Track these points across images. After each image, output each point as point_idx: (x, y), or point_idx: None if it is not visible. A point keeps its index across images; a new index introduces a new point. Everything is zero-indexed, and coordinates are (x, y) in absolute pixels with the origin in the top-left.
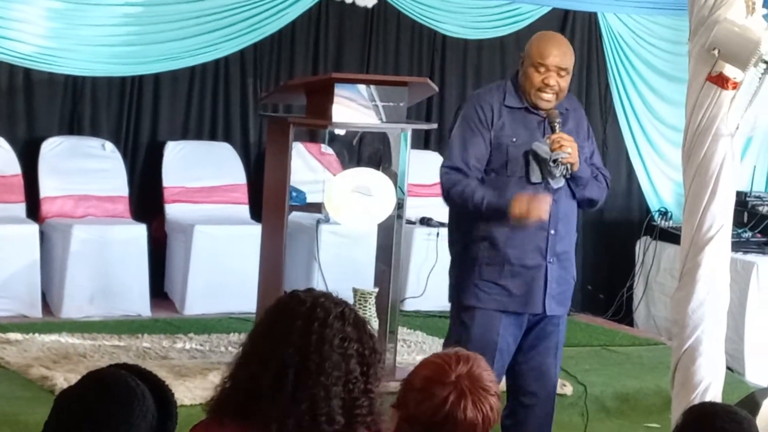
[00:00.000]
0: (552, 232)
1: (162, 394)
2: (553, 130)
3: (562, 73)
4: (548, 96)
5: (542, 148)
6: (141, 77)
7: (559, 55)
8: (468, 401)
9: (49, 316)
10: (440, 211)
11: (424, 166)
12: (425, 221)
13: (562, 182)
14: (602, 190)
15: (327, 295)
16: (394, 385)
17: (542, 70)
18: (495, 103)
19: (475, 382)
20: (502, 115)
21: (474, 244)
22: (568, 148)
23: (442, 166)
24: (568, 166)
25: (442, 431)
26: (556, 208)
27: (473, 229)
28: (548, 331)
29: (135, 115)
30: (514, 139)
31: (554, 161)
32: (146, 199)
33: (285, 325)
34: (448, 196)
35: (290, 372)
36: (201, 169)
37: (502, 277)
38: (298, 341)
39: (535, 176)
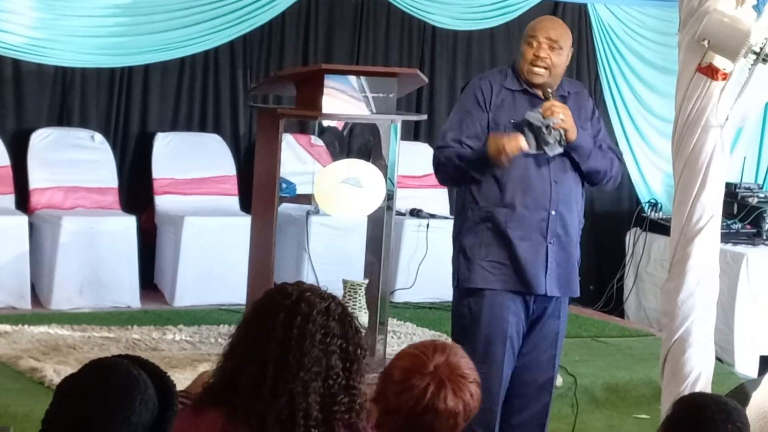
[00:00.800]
0: (552, 212)
1: (163, 384)
2: (547, 100)
3: (555, 46)
4: (540, 70)
5: (535, 116)
6: (130, 68)
7: (549, 27)
8: (448, 390)
9: (39, 308)
10: (430, 202)
11: (414, 158)
12: (415, 213)
13: (558, 149)
14: (610, 161)
15: (314, 289)
16: None
17: (534, 43)
18: (496, 84)
19: (453, 371)
20: (501, 95)
21: (477, 226)
22: (560, 114)
23: (435, 147)
24: (562, 132)
25: (423, 421)
26: (557, 190)
27: (475, 212)
28: (549, 323)
29: (124, 106)
30: (512, 120)
31: (547, 127)
32: (136, 190)
33: (269, 318)
34: (438, 165)
35: (271, 366)
36: (191, 160)
37: (506, 256)
38: (280, 335)
39: (531, 146)
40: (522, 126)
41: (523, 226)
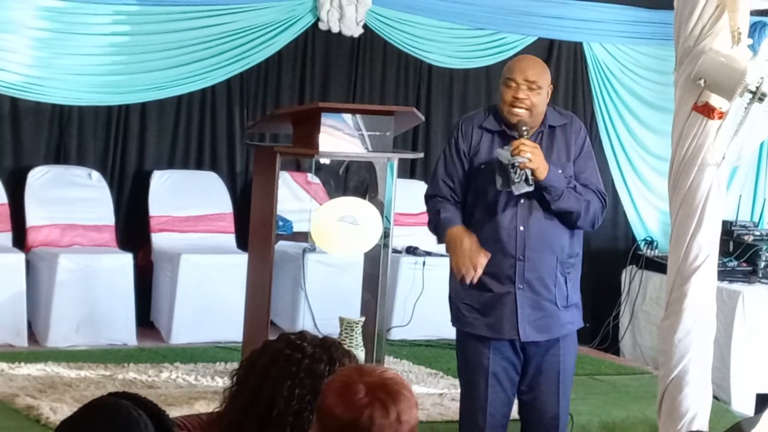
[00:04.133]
0: (520, 258)
1: (162, 424)
2: (520, 137)
3: (533, 87)
4: (519, 111)
5: (504, 154)
6: (128, 106)
7: (526, 68)
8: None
9: (35, 345)
10: (426, 240)
11: (410, 195)
12: (411, 250)
13: (524, 188)
14: (586, 203)
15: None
16: None
17: (512, 85)
18: (474, 127)
19: (385, 384)
20: (481, 139)
21: None
22: (527, 153)
23: (425, 194)
24: (528, 172)
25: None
26: (523, 236)
27: None
28: (547, 361)
29: (121, 144)
30: (483, 165)
31: (512, 166)
32: (133, 228)
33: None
34: (429, 222)
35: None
36: (187, 198)
37: (476, 301)
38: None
39: (499, 183)
40: (493, 164)
41: (492, 271)
